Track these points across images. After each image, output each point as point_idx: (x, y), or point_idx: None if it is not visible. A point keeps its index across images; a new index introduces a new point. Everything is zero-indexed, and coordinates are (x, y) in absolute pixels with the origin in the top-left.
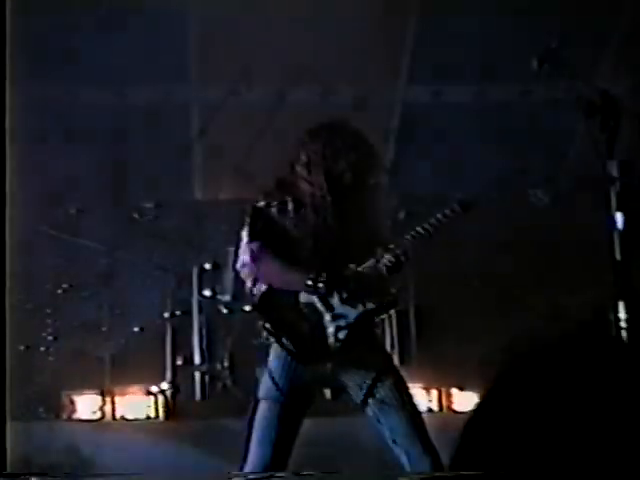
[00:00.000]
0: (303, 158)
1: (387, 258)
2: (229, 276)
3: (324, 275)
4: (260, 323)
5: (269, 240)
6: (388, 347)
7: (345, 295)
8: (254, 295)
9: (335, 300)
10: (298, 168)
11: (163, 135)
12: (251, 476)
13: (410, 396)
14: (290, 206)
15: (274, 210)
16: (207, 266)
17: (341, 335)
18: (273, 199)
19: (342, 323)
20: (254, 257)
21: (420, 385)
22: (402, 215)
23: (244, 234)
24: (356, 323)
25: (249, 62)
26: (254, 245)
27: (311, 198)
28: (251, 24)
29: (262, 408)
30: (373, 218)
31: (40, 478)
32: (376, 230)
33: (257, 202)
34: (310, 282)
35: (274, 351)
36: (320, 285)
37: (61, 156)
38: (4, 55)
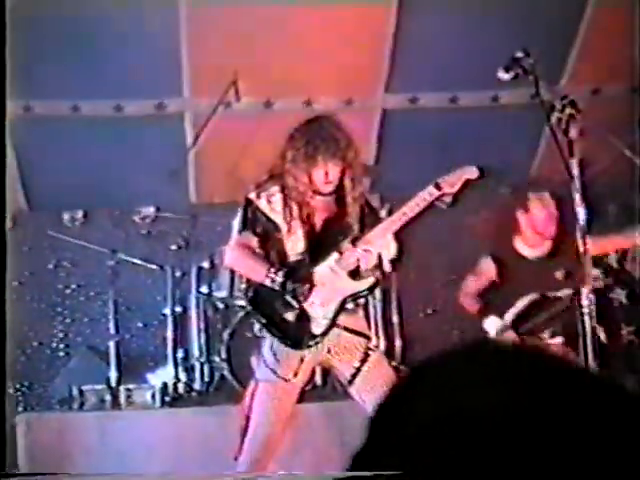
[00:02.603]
0: (288, 154)
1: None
2: (225, 274)
3: (283, 270)
4: (250, 314)
5: (256, 230)
6: (373, 332)
7: (305, 289)
8: (248, 291)
9: (315, 292)
10: (286, 164)
11: (160, 144)
12: (247, 476)
13: (392, 376)
14: (278, 197)
15: (264, 201)
16: (204, 265)
17: (321, 325)
18: (263, 190)
19: (321, 314)
20: (230, 247)
21: (404, 370)
22: (383, 214)
23: (234, 225)
24: (335, 313)
25: (237, 74)
26: (236, 235)
27: (296, 192)
28: (240, 35)
29: (260, 389)
30: (351, 209)
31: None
32: (351, 221)
33: (249, 193)
34: (270, 274)
35: (268, 338)
36: (277, 279)
37: (64, 164)
38: (4, 59)
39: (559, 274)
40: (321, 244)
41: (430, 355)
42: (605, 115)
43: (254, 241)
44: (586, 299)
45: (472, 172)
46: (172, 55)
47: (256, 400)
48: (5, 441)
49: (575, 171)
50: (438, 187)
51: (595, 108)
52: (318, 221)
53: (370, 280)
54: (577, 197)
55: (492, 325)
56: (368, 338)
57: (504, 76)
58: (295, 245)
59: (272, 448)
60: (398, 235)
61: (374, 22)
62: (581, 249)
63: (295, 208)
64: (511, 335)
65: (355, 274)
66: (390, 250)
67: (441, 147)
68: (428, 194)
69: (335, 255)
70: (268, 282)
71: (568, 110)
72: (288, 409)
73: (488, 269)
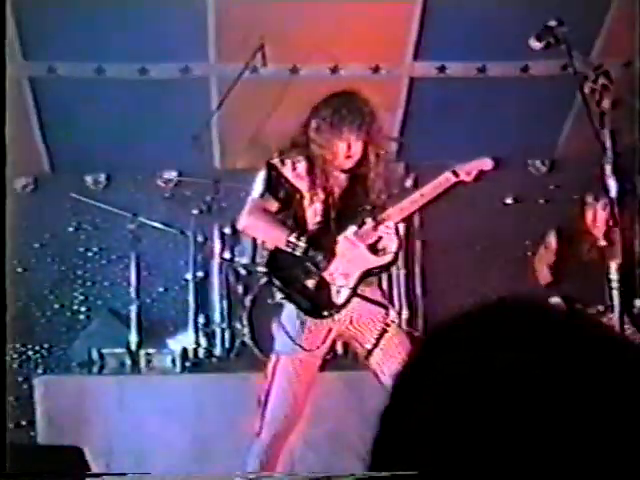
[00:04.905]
0: (313, 124)
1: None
2: (247, 239)
3: (305, 236)
4: (270, 281)
5: (279, 195)
6: (396, 303)
7: (327, 258)
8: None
9: (336, 261)
10: (311, 133)
11: (184, 108)
12: (252, 475)
13: (410, 347)
14: (303, 165)
15: (289, 167)
16: (226, 230)
17: (343, 295)
18: (287, 157)
19: (342, 284)
20: (247, 210)
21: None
22: (409, 183)
23: (253, 188)
24: (356, 284)
25: (264, 39)
26: (253, 199)
27: (322, 161)
28: (267, 1)
29: (281, 364)
30: (374, 186)
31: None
32: (373, 198)
33: (271, 159)
34: (292, 240)
35: (287, 307)
36: (300, 245)
37: (87, 126)
38: (4, 52)
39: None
40: (340, 216)
41: (449, 318)
42: (635, 88)
43: (274, 206)
44: (615, 273)
45: (487, 164)
46: (198, 19)
47: (277, 375)
48: (5, 443)
49: (607, 142)
50: (455, 174)
51: (626, 81)
52: (338, 193)
53: (390, 256)
54: (608, 169)
55: None
56: (387, 309)
57: (536, 45)
58: (316, 213)
59: (294, 422)
60: (420, 210)
61: None
62: (611, 222)
63: (320, 177)
64: None
65: (373, 248)
66: (393, 244)
67: (468, 117)
68: (445, 180)
69: (353, 228)
70: (288, 248)
71: (601, 80)
72: (310, 382)
73: (552, 243)
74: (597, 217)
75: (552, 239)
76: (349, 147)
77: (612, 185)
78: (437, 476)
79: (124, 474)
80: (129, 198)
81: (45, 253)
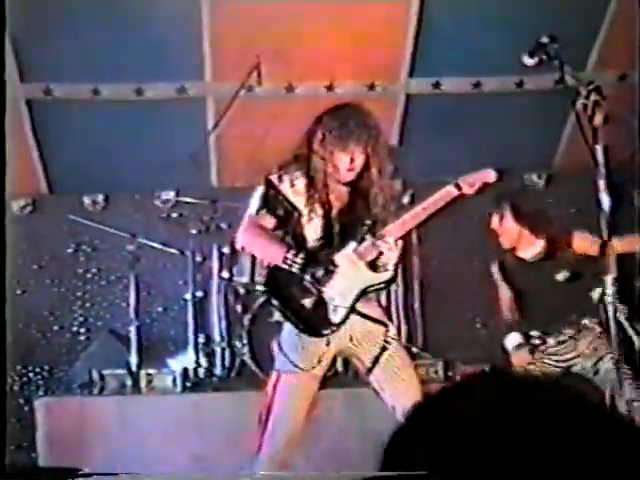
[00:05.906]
0: (319, 135)
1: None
2: (246, 258)
3: (303, 253)
4: (267, 299)
5: (276, 212)
6: (394, 318)
7: (326, 274)
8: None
9: (334, 279)
10: (314, 144)
11: (181, 127)
12: (259, 475)
13: (410, 365)
14: (301, 182)
15: (287, 183)
16: (225, 249)
17: (340, 314)
18: (286, 172)
19: (339, 302)
20: (244, 227)
21: (426, 357)
22: (406, 200)
23: (251, 204)
24: (354, 302)
25: (259, 57)
26: (250, 215)
27: (323, 175)
28: (262, 19)
29: (282, 382)
30: (376, 200)
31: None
32: (376, 211)
33: (271, 174)
34: (289, 257)
35: (286, 326)
36: (298, 261)
37: (85, 147)
38: (3, 56)
39: (560, 276)
40: (340, 231)
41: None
42: (632, 101)
43: (271, 222)
44: (610, 287)
45: (490, 176)
46: (194, 38)
47: (277, 393)
48: (5, 442)
49: (600, 158)
50: (458, 187)
51: (621, 94)
52: (339, 207)
53: (389, 273)
54: (602, 184)
55: (510, 342)
56: (386, 326)
57: (528, 61)
58: (315, 230)
59: (294, 438)
60: (420, 225)
61: (398, 6)
62: (605, 236)
63: (319, 192)
64: (525, 353)
65: (373, 265)
66: (392, 260)
67: (465, 133)
68: (447, 193)
69: (353, 244)
70: (285, 265)
71: (593, 96)
72: (310, 399)
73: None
74: (503, 222)
75: (494, 270)
76: (352, 160)
77: (605, 200)
78: None
79: (116, 474)
80: (127, 219)
81: (44, 275)
